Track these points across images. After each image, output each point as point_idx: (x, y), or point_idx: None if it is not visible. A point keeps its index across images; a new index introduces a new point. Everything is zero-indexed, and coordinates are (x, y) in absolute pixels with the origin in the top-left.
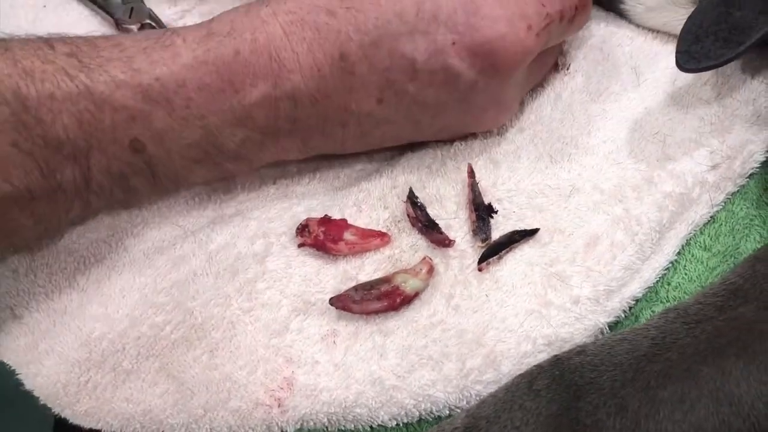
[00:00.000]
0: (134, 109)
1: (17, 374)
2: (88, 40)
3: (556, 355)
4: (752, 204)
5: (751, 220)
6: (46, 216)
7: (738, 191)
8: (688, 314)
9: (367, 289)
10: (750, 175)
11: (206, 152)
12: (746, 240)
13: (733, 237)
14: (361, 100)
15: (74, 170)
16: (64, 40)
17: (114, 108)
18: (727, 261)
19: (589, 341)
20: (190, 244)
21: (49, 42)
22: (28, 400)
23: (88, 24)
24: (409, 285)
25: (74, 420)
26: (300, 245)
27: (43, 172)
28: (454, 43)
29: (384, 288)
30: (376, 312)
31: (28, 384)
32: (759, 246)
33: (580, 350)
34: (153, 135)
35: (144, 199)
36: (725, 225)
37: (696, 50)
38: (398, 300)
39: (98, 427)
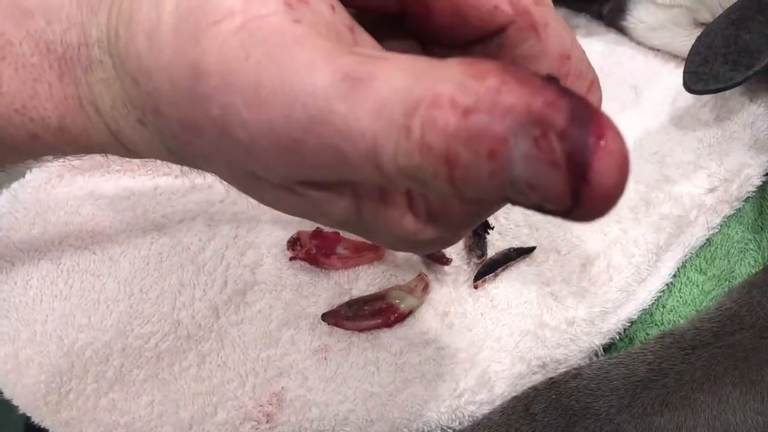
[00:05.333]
0: None
1: None
2: None
3: (551, 378)
4: (747, 228)
5: (746, 243)
6: None
7: (734, 215)
8: (684, 339)
9: (360, 305)
10: (746, 198)
11: None
12: (741, 264)
13: (728, 260)
14: None
15: None
16: None
17: None
18: (722, 285)
19: (583, 363)
20: (179, 254)
21: None
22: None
23: None
24: (405, 303)
25: (54, 430)
26: (291, 258)
27: None
28: None
29: (378, 305)
30: (369, 329)
31: (8, 393)
32: (753, 270)
33: (576, 373)
34: None
35: None
36: (721, 248)
37: (704, 72)
38: (392, 317)
39: None
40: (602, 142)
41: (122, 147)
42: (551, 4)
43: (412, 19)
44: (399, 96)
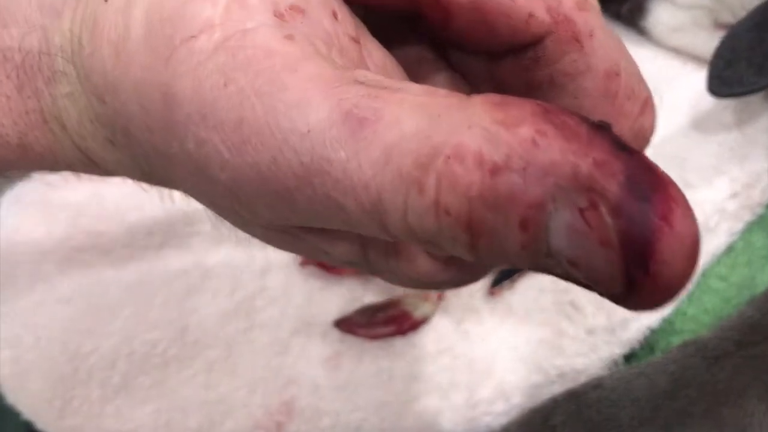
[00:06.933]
0: None
1: None
2: None
3: (572, 389)
4: None
5: None
6: None
7: (756, 221)
8: (706, 349)
9: (373, 312)
10: None
11: None
12: (763, 271)
13: (750, 268)
14: None
15: None
16: None
17: None
18: (743, 292)
19: (603, 373)
20: (186, 258)
21: None
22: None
23: None
24: (419, 310)
25: None
26: (302, 264)
27: None
28: None
29: (391, 312)
30: (383, 336)
31: (11, 398)
32: None
33: (597, 384)
34: None
35: None
36: (742, 255)
37: (728, 75)
38: (406, 325)
39: None
40: (669, 223)
41: (93, 165)
42: (597, 7)
43: (428, 24)
44: (411, 143)
